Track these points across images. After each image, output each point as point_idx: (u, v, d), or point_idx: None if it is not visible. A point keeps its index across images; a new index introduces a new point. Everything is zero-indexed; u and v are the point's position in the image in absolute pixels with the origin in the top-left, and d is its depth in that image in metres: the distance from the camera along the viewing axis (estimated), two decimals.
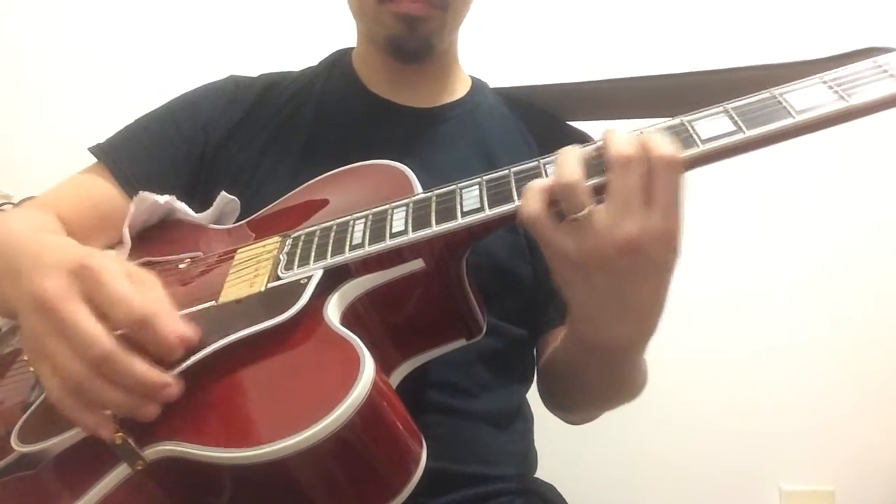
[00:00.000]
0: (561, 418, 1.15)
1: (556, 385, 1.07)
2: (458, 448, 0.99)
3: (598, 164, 0.69)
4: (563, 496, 1.10)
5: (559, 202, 0.69)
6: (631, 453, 1.96)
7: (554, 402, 1.13)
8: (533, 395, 1.16)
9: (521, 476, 1.08)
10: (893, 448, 2.03)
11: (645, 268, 0.69)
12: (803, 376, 2.00)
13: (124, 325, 0.66)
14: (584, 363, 0.90)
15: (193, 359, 0.69)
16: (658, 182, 0.66)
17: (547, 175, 0.73)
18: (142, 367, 0.65)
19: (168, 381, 0.67)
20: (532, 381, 1.16)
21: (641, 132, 0.70)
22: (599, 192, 0.69)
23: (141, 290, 0.68)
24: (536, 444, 1.16)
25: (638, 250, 0.67)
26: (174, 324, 0.68)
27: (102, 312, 0.66)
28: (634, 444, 1.92)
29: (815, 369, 2.00)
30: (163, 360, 0.67)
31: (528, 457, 1.13)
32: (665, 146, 0.67)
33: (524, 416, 1.14)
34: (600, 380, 0.93)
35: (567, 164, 0.69)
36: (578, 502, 1.11)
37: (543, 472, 1.14)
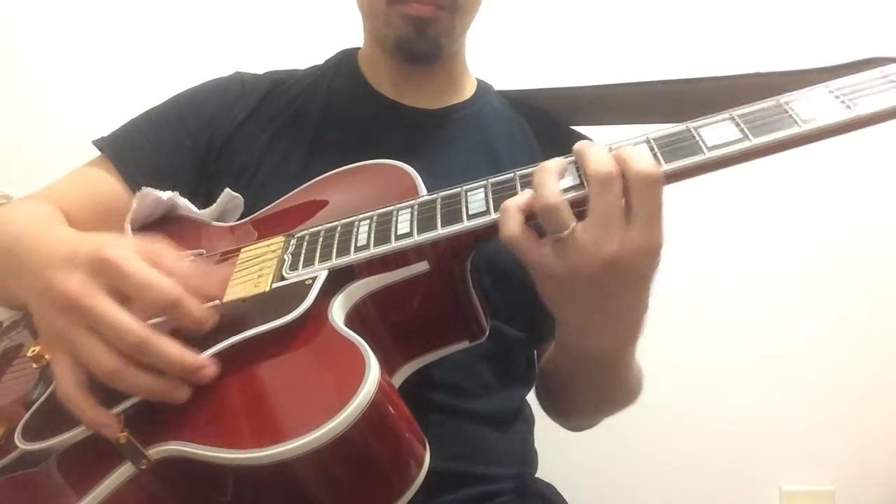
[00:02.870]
0: (561, 425, 1.17)
1: (550, 392, 1.09)
2: (460, 448, 1.00)
3: (573, 176, 0.71)
4: (563, 496, 1.10)
5: (538, 219, 0.70)
6: (631, 453, 1.96)
7: (551, 409, 1.15)
8: (533, 396, 1.16)
9: (521, 476, 1.08)
10: (893, 448, 2.03)
11: (628, 280, 0.71)
12: (803, 377, 2.00)
13: (155, 309, 0.68)
14: (574, 372, 0.92)
15: (214, 349, 0.70)
16: (638, 198, 0.67)
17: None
18: (177, 350, 0.66)
19: (204, 361, 0.68)
20: (533, 383, 1.16)
21: (614, 148, 0.71)
22: (577, 205, 0.69)
23: (160, 270, 0.69)
24: (537, 444, 1.16)
25: (620, 265, 0.68)
26: (203, 292, 0.71)
27: (127, 300, 0.67)
28: (634, 444, 1.93)
29: (814, 369, 2.00)
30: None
31: (528, 457, 1.14)
32: (644, 162, 0.67)
33: (525, 417, 1.14)
34: (590, 387, 0.96)
35: (547, 184, 0.69)
36: (578, 502, 1.11)
37: (543, 472, 1.14)
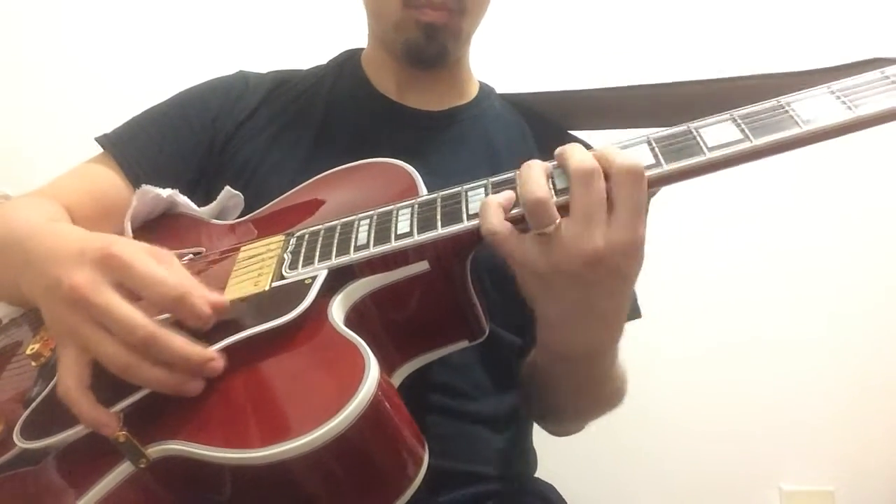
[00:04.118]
0: (546, 430, 1.17)
1: (530, 395, 1.08)
2: (457, 448, 1.00)
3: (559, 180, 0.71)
4: (563, 496, 1.10)
5: (522, 216, 0.71)
6: (630, 453, 1.96)
7: (533, 413, 1.14)
8: None
9: (520, 476, 1.09)
10: (893, 448, 2.03)
11: (609, 277, 0.71)
12: (803, 376, 2.00)
13: (161, 305, 0.68)
14: (553, 373, 0.92)
15: (214, 348, 0.70)
16: (620, 192, 0.67)
17: (553, 180, 0.73)
18: (185, 344, 0.67)
19: (212, 354, 0.68)
20: None
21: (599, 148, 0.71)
22: (561, 208, 0.70)
23: (166, 268, 0.70)
24: (536, 444, 1.17)
25: (603, 262, 0.68)
26: (204, 293, 0.71)
27: (134, 297, 0.68)
28: (634, 444, 1.93)
29: (815, 369, 2.01)
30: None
31: (527, 457, 1.14)
32: (624, 156, 0.68)
33: (523, 418, 1.14)
34: (570, 388, 0.95)
35: (533, 179, 0.70)
36: (578, 502, 1.11)
37: (543, 472, 1.15)
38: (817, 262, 1.97)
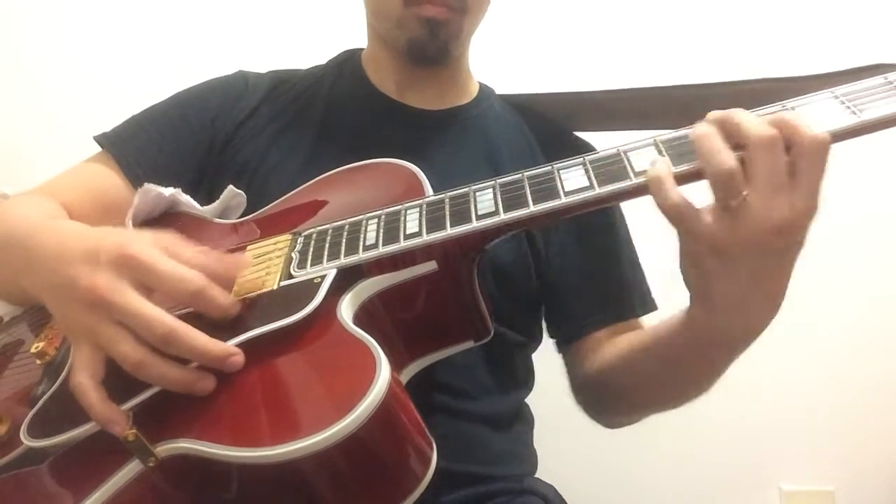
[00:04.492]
0: (605, 423, 1.15)
1: (623, 386, 1.02)
2: (460, 448, 1.00)
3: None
4: (564, 496, 1.10)
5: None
6: (630, 453, 1.95)
7: (611, 404, 1.10)
8: (533, 398, 1.17)
9: (521, 476, 1.09)
10: (893, 448, 2.03)
11: (790, 249, 0.69)
12: (803, 376, 2.00)
13: (181, 299, 0.69)
14: (688, 358, 0.86)
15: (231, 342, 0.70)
16: (805, 162, 0.65)
17: (561, 180, 0.74)
18: (205, 339, 0.67)
19: (233, 349, 0.69)
20: (532, 385, 1.17)
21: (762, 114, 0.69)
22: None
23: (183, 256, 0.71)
24: (536, 445, 1.17)
25: (789, 231, 0.66)
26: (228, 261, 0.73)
27: (150, 294, 0.68)
28: (634, 444, 1.91)
29: (815, 369, 2.01)
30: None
31: (527, 457, 1.14)
32: (813, 126, 0.65)
33: (524, 418, 1.15)
34: (690, 377, 0.90)
35: (721, 149, 0.66)
36: (579, 502, 1.11)
37: (543, 472, 1.14)
38: (817, 263, 1.96)
